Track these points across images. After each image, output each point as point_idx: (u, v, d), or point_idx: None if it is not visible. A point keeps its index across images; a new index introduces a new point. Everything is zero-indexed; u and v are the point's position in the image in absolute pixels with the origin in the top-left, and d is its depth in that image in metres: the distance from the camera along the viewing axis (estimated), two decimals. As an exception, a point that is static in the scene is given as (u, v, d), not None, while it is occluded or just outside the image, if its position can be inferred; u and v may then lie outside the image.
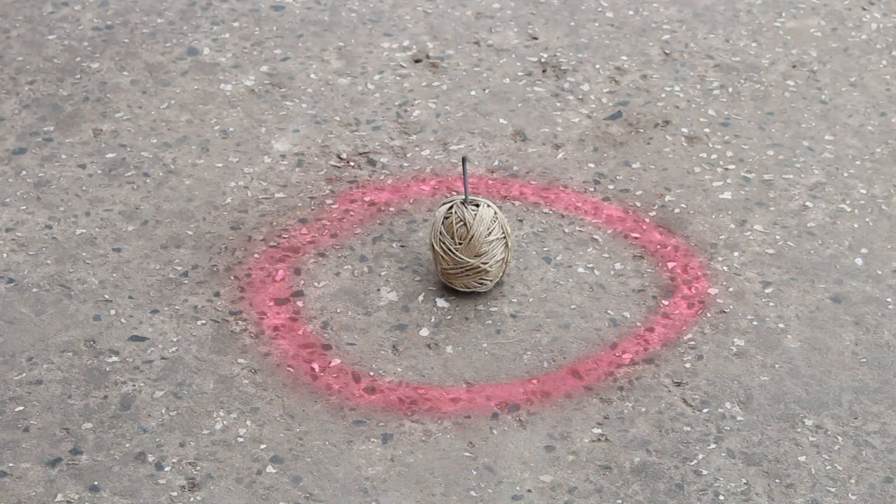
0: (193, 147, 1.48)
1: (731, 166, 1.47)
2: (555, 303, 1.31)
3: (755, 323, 1.29)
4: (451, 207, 1.28)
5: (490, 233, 1.27)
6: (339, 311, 1.30)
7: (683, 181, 1.45)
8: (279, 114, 1.52)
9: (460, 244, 1.26)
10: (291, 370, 1.24)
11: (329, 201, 1.42)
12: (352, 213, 1.40)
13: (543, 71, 1.60)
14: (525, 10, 1.70)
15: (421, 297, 1.31)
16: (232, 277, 1.33)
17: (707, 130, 1.52)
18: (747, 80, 1.59)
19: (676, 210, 1.41)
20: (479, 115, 1.51)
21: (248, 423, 1.19)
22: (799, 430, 1.19)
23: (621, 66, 1.61)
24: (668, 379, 1.24)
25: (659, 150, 1.49)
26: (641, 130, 1.52)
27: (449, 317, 1.29)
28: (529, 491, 1.14)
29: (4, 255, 1.35)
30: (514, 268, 1.34)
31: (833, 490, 1.14)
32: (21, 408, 1.20)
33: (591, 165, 1.47)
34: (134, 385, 1.22)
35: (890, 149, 1.50)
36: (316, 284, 1.32)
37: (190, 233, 1.38)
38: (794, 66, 1.62)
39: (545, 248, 1.37)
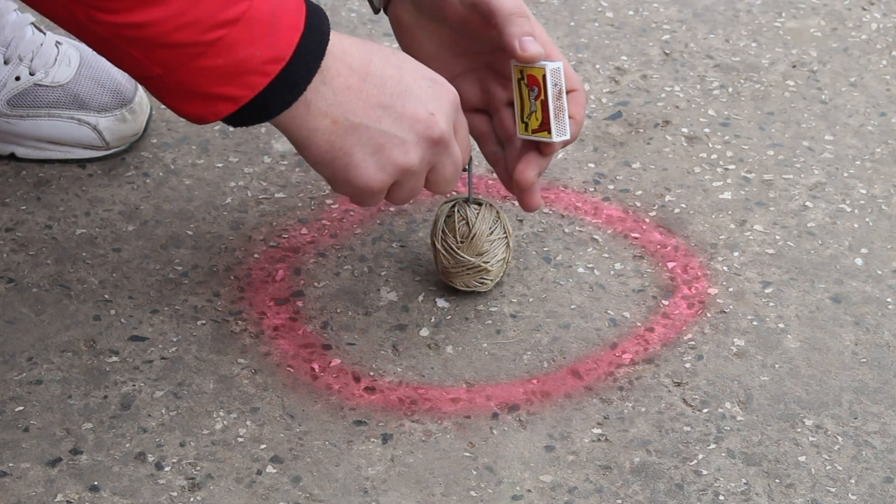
0: (193, 147, 1.48)
1: (731, 166, 1.47)
2: (555, 303, 1.31)
3: (755, 323, 1.29)
4: (453, 206, 1.28)
5: (492, 232, 1.27)
6: (339, 311, 1.30)
7: (683, 181, 1.45)
8: (279, 114, 1.51)
9: (462, 243, 1.26)
10: (291, 370, 1.24)
11: (329, 201, 1.42)
12: (352, 213, 1.40)
13: (543, 71, 1.60)
14: (525, 10, 1.69)
15: (421, 297, 1.31)
16: (232, 277, 1.33)
17: (707, 130, 1.52)
18: (747, 80, 1.59)
19: (676, 210, 1.41)
20: (479, 115, 1.51)
21: (248, 423, 1.19)
22: (799, 430, 1.19)
23: (621, 66, 1.61)
24: (668, 379, 1.24)
25: (659, 150, 1.49)
26: (641, 130, 1.52)
27: (449, 317, 1.29)
28: (529, 491, 1.14)
29: (4, 255, 1.35)
30: (514, 268, 1.34)
31: (833, 490, 1.14)
32: (21, 408, 1.20)
33: (591, 165, 1.47)
34: (134, 385, 1.22)
35: (890, 149, 1.50)
36: (316, 284, 1.33)
37: (190, 233, 1.38)
38: (794, 66, 1.62)
39: (545, 248, 1.37)
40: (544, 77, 1.18)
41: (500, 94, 1.24)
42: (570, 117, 1.20)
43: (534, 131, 1.21)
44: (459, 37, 1.22)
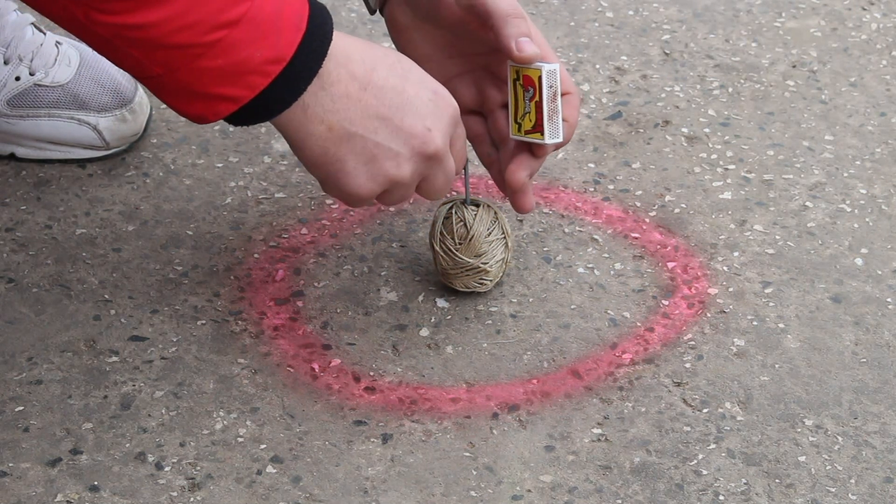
0: (193, 147, 1.48)
1: (731, 166, 1.47)
2: (555, 303, 1.31)
3: (755, 323, 1.29)
4: (451, 207, 1.28)
5: (490, 233, 1.27)
6: (339, 311, 1.30)
7: (683, 181, 1.45)
8: (279, 114, 1.51)
9: (460, 244, 1.26)
10: (291, 370, 1.24)
11: (329, 201, 1.42)
12: (352, 213, 1.40)
13: (543, 71, 1.60)
14: (525, 10, 1.69)
15: (421, 297, 1.31)
16: (232, 277, 1.33)
17: (707, 130, 1.52)
18: (747, 80, 1.59)
19: (676, 210, 1.41)
20: (479, 115, 1.51)
21: (248, 423, 1.19)
22: (799, 430, 1.19)
23: (621, 66, 1.61)
24: (668, 379, 1.24)
25: (659, 150, 1.49)
26: (641, 130, 1.52)
27: (449, 317, 1.29)
28: (529, 491, 1.14)
29: (4, 255, 1.35)
30: (514, 268, 1.34)
31: (833, 490, 1.14)
32: (21, 408, 1.20)
33: (591, 165, 1.47)
34: (134, 385, 1.22)
35: (890, 149, 1.50)
36: (316, 284, 1.33)
37: (190, 233, 1.38)
38: (794, 66, 1.62)
39: (545, 248, 1.37)
40: (540, 78, 1.18)
41: (494, 96, 1.24)
42: (563, 120, 1.20)
43: (527, 132, 1.21)
44: (455, 38, 1.22)
